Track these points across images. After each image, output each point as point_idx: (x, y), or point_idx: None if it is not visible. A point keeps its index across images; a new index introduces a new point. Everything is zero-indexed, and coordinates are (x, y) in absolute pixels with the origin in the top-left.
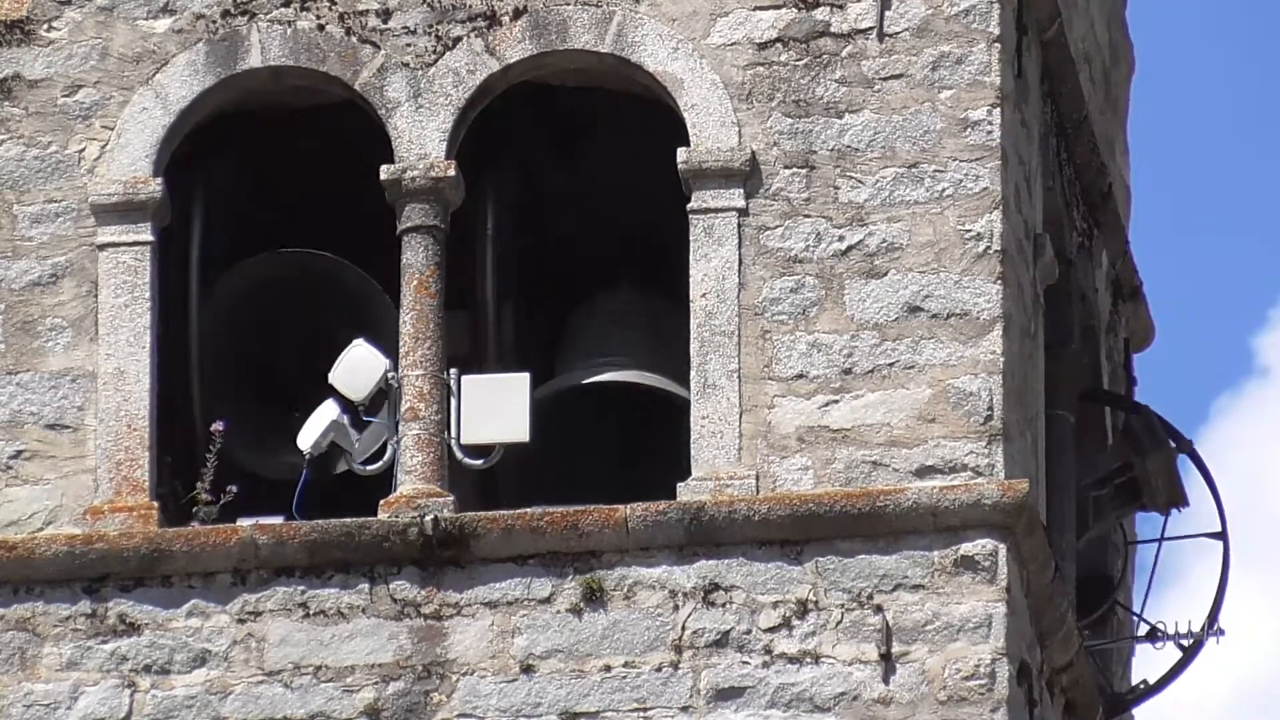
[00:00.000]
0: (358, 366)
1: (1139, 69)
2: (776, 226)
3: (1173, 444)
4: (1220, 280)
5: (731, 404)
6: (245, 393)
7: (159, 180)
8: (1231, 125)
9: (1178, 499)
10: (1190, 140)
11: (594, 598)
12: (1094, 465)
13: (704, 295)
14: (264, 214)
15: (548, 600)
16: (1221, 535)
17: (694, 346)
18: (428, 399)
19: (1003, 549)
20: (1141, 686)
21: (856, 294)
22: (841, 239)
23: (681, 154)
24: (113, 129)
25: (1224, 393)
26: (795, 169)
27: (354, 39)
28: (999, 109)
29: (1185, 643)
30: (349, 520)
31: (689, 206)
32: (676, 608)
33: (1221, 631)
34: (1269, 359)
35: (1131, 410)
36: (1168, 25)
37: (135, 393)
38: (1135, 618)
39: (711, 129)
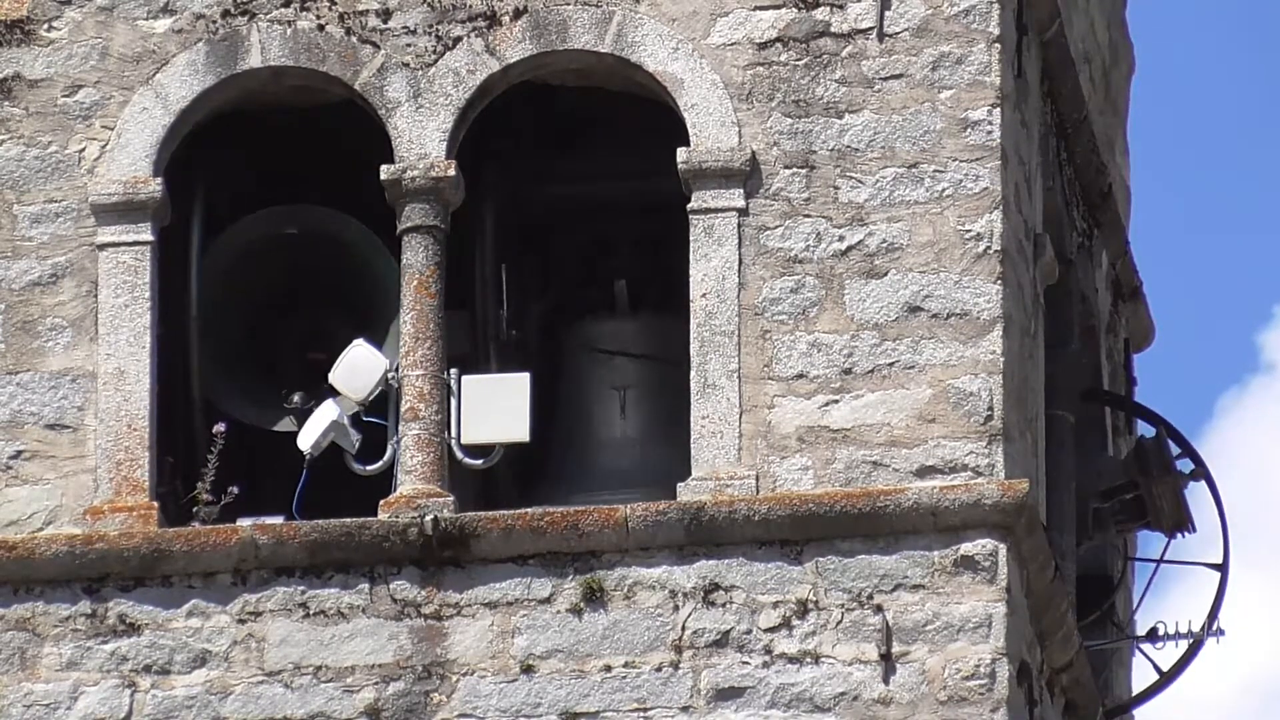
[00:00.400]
0: (358, 366)
1: (1139, 69)
2: (776, 226)
3: (1191, 467)
4: (1225, 277)
5: (731, 404)
6: (244, 356)
7: (159, 180)
8: (1232, 124)
9: (1184, 524)
10: (1190, 140)
11: (594, 598)
12: (1098, 472)
13: (704, 295)
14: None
15: (548, 600)
16: (1222, 567)
17: (694, 346)
18: (428, 399)
19: (1003, 549)
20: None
21: (856, 294)
22: (841, 239)
23: (681, 154)
24: (113, 129)
25: (1230, 389)
26: (795, 169)
27: (354, 39)
28: (999, 109)
29: (1185, 643)
30: (349, 520)
31: (689, 206)
32: (676, 608)
33: (1221, 631)
34: (1274, 355)
35: (1138, 414)
36: (1168, 25)
37: (135, 393)
38: (1128, 634)
39: (711, 129)
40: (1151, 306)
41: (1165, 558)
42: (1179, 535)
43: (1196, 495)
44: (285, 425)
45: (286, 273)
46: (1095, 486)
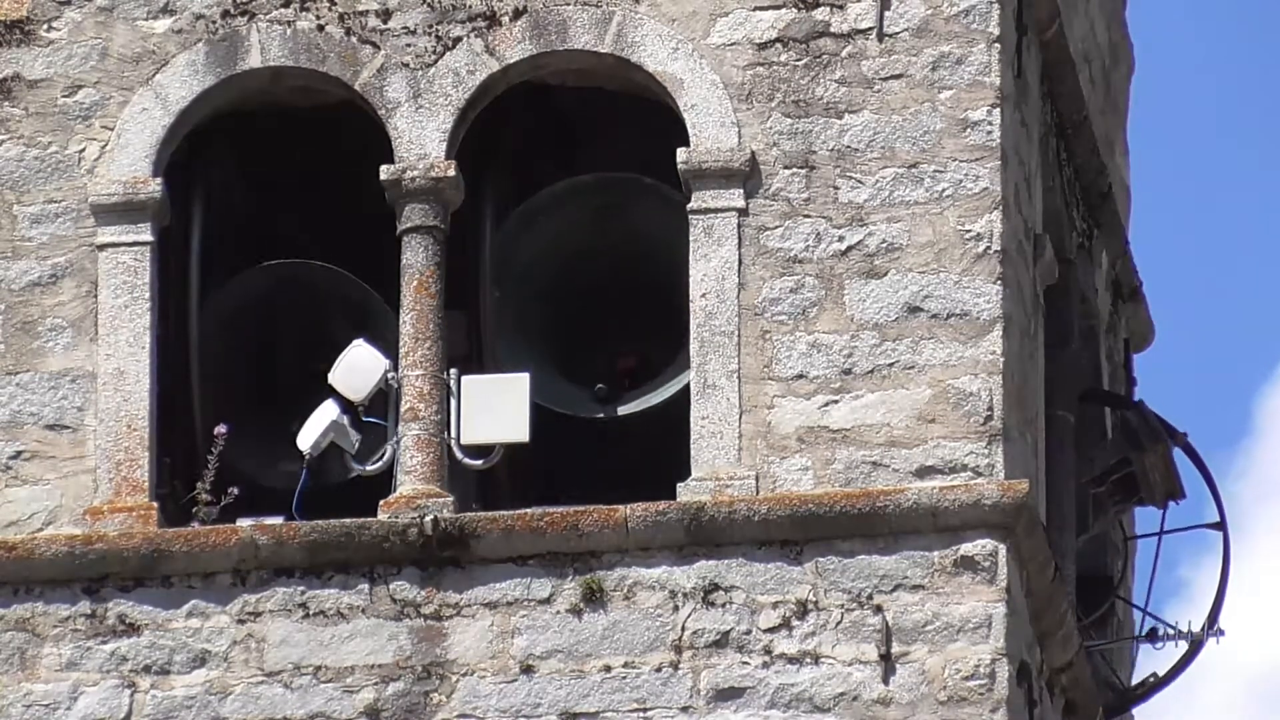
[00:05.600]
0: (358, 366)
1: (1139, 69)
2: (776, 226)
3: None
4: (1228, 275)
5: (731, 404)
6: (245, 402)
7: (159, 180)
8: (1232, 124)
9: (1175, 491)
10: (1190, 140)
11: (594, 598)
12: (1091, 462)
13: (704, 295)
14: (264, 214)
15: (548, 600)
16: (1220, 525)
17: (694, 346)
18: (428, 399)
19: (1003, 549)
20: (1152, 678)
21: (856, 294)
22: (841, 239)
23: (681, 154)
24: (113, 129)
25: None
26: (795, 169)
27: (354, 39)
28: (999, 109)
29: (1185, 643)
30: (349, 520)
31: (689, 207)
32: (676, 608)
33: (1221, 632)
34: None
35: (1127, 406)
36: (1168, 25)
37: (135, 393)
38: (1139, 611)
39: (711, 129)
40: (1151, 306)
41: (1165, 528)
42: (1172, 503)
43: (1195, 489)
44: (290, 482)
45: (283, 317)
46: (1088, 472)
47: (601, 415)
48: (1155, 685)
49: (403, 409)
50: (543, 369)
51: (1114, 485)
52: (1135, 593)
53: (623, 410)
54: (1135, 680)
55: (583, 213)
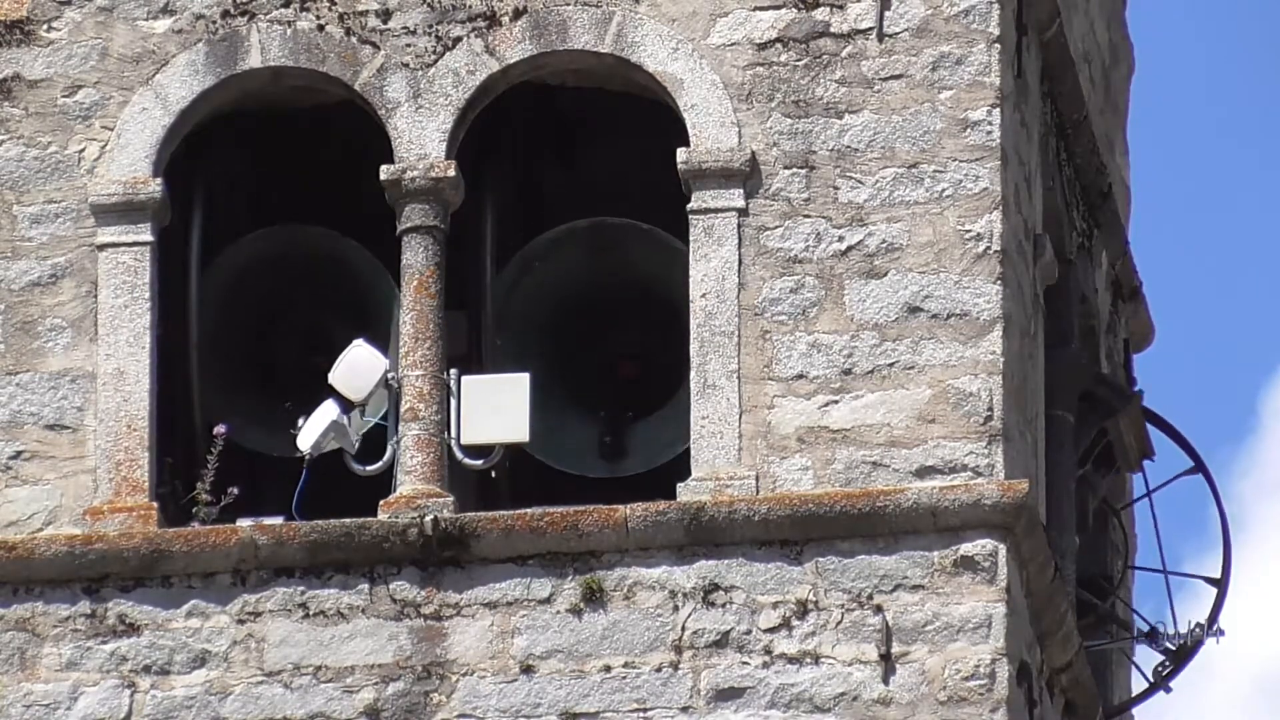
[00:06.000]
0: (358, 366)
1: (1139, 69)
2: (776, 226)
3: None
4: (1227, 273)
5: (731, 404)
6: (246, 373)
7: (159, 180)
8: (1232, 124)
9: (1148, 450)
10: (1190, 140)
11: (594, 598)
12: (1077, 448)
13: (704, 295)
14: (264, 214)
15: (548, 600)
16: (1199, 469)
17: (694, 346)
18: (428, 399)
19: (1003, 549)
20: (1198, 628)
21: (856, 294)
22: (841, 239)
23: (681, 154)
24: (112, 129)
25: None
26: (795, 169)
27: (354, 39)
28: (999, 109)
29: (1185, 643)
30: (349, 520)
31: (689, 207)
32: (676, 608)
33: (1221, 632)
34: None
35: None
36: (1168, 25)
37: (135, 393)
38: (1159, 574)
39: (711, 129)
40: (1151, 306)
41: (1150, 489)
42: (1147, 461)
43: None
44: (287, 450)
45: (285, 295)
46: (1074, 457)
47: (606, 475)
48: (1199, 639)
49: (403, 409)
50: (545, 380)
51: (1094, 462)
52: (1140, 589)
53: (626, 470)
54: (1136, 678)
55: (580, 256)
